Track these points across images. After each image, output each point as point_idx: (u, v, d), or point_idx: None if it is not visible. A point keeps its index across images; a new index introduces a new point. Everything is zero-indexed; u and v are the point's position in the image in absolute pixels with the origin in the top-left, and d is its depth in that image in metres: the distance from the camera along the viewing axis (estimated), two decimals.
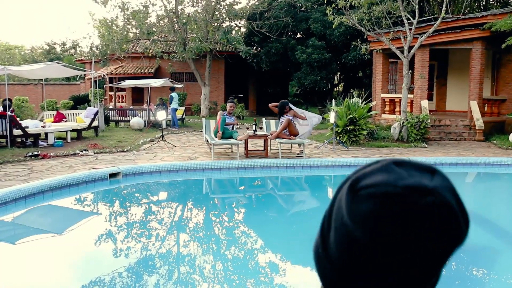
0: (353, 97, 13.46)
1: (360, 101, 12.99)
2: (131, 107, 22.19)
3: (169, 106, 17.83)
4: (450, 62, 18.38)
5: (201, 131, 15.22)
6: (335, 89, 27.91)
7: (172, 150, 11.15)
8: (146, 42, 23.60)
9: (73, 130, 13.01)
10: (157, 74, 25.01)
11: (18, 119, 11.97)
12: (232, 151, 10.98)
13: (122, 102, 25.72)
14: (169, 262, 4.81)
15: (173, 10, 21.61)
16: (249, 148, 10.64)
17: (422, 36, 13.30)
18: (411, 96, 15.09)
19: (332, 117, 11.43)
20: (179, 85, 20.60)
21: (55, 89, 30.45)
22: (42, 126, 11.97)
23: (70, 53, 45.36)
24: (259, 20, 22.05)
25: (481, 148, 12.57)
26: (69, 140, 12.57)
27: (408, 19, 13.39)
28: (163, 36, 24.10)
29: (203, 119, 11.33)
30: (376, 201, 0.55)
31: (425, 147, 12.56)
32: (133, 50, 25.03)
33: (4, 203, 6.00)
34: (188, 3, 22.32)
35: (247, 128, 10.64)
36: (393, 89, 19.05)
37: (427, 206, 0.54)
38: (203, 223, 6.48)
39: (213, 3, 21.26)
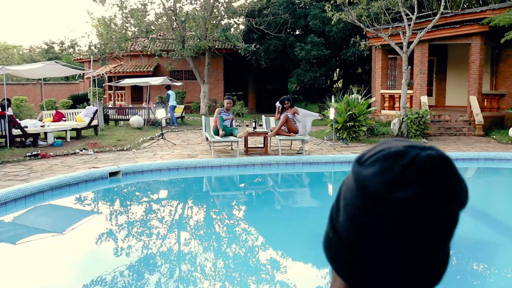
0: (352, 93, 13.45)
1: (360, 97, 12.98)
2: (130, 105, 22.16)
3: (167, 104, 17.84)
4: (449, 57, 18.36)
5: (200, 129, 15.22)
6: (335, 86, 27.89)
7: (172, 148, 11.14)
8: (144, 40, 23.58)
9: (73, 130, 13.00)
10: (156, 72, 24.98)
11: (17, 119, 11.96)
12: (232, 149, 10.98)
13: (122, 100, 25.69)
14: (170, 260, 4.81)
15: (172, 8, 21.57)
16: (249, 146, 10.64)
17: (421, 32, 13.28)
18: (410, 91, 15.09)
19: (331, 113, 11.43)
20: (178, 83, 20.57)
21: (54, 89, 30.42)
22: (41, 126, 11.96)
23: (68, 52, 45.29)
24: (257, 17, 22.01)
25: (481, 143, 12.57)
26: (68, 139, 12.56)
27: (407, 14, 13.37)
28: (161, 34, 24.07)
29: (203, 117, 11.32)
30: (381, 162, 0.58)
31: (425, 142, 12.51)
32: (131, 49, 25.00)
33: (4, 203, 6.00)
34: (186, 1, 22.30)
35: (247, 126, 10.63)
36: (393, 85, 19.04)
37: (429, 157, 0.57)
38: (204, 221, 6.48)
39: (211, 1, 21.21)
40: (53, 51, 46.25)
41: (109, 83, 22.54)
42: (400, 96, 14.18)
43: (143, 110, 17.77)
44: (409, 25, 13.11)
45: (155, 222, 6.26)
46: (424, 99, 15.00)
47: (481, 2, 23.24)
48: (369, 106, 13.39)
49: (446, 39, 15.38)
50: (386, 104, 16.79)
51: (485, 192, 8.82)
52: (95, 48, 21.95)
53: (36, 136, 11.40)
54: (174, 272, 4.50)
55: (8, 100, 13.06)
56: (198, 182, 9.03)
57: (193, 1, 21.92)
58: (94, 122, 14.03)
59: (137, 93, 25.36)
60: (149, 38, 22.67)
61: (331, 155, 9.81)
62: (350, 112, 12.19)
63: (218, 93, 25.14)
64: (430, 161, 0.57)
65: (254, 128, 10.34)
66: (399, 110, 13.88)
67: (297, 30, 24.11)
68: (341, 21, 16.56)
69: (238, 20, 24.20)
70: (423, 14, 15.51)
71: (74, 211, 6.86)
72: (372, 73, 18.92)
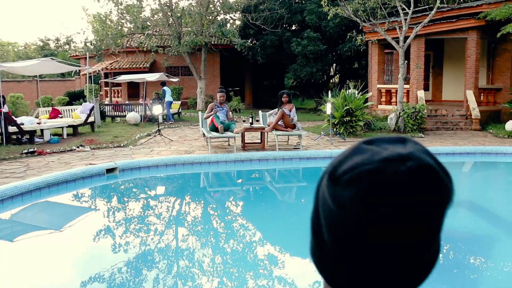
0: (349, 88, 13.45)
1: (357, 92, 12.99)
2: (127, 102, 22.12)
3: (164, 100, 17.79)
4: (445, 51, 18.37)
5: (197, 124, 15.20)
6: (331, 81, 27.87)
7: (169, 144, 11.13)
8: (140, 36, 23.49)
9: (69, 126, 12.96)
10: (152, 69, 24.92)
11: (13, 116, 11.91)
12: (229, 144, 10.97)
13: (118, 97, 25.62)
14: (168, 256, 4.81)
15: (167, 4, 21.49)
16: (246, 141, 10.62)
17: (417, 26, 13.27)
18: (407, 86, 15.09)
19: (328, 108, 11.42)
20: (175, 79, 20.52)
21: (50, 86, 30.31)
22: (37, 123, 11.92)
23: (64, 49, 45.09)
24: (253, 12, 21.95)
25: (478, 137, 12.60)
26: (65, 136, 12.52)
27: (403, 9, 13.36)
28: (157, 30, 23.98)
29: (200, 112, 11.30)
30: (359, 183, 0.54)
31: (421, 137, 12.58)
32: (127, 45, 24.91)
33: (0, 201, 5.98)
34: None
35: (244, 121, 10.62)
36: (389, 79, 19.04)
37: (409, 171, 0.53)
38: (201, 217, 6.48)
39: None
40: (49, 48, 46.03)
41: (106, 80, 22.47)
42: (396, 90, 14.19)
43: (139, 106, 17.73)
44: (406, 19, 13.10)
45: (152, 218, 6.25)
46: (421, 93, 15.02)
47: None
48: (366, 101, 13.40)
49: (442, 34, 15.39)
50: (383, 99, 16.80)
51: (482, 186, 8.85)
52: (91, 44, 21.86)
53: (32, 133, 11.37)
54: (171, 268, 4.50)
55: (3, 97, 13.00)
56: (195, 178, 9.02)
57: None
58: (91, 119, 13.99)
59: (134, 90, 25.30)
60: (145, 34, 22.59)
61: (328, 150, 9.81)
62: (347, 107, 12.19)
63: (214, 89, 25.07)
64: (411, 175, 0.53)
65: (251, 123, 10.33)
66: (396, 104, 13.89)
67: (293, 25, 24.06)
68: (338, 16, 16.52)
69: (234, 16, 24.14)
70: (419, 8, 15.49)
71: (71, 208, 6.84)
72: (368, 68, 18.91)
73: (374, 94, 17.10)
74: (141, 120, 16.43)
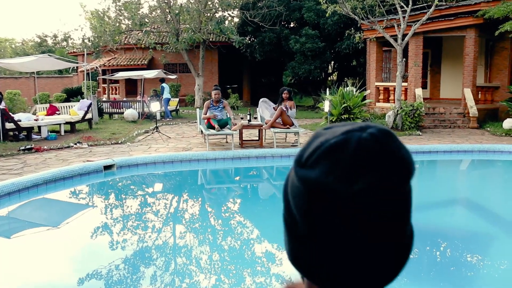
0: (347, 86, 13.45)
1: (354, 89, 12.98)
2: (124, 99, 22.07)
3: (162, 97, 17.77)
4: (444, 49, 18.37)
5: (195, 122, 15.18)
6: (329, 78, 27.85)
7: (166, 142, 11.11)
8: (138, 33, 23.43)
9: (67, 123, 12.93)
10: (150, 66, 24.87)
11: (10, 113, 11.88)
12: (227, 142, 10.96)
13: (116, 94, 25.57)
14: (165, 253, 4.81)
15: (165, 1, 21.43)
16: (244, 138, 10.62)
17: (415, 24, 13.27)
18: (405, 84, 15.09)
19: (326, 106, 11.42)
20: (173, 76, 20.48)
21: (48, 82, 30.21)
22: (35, 120, 11.88)
23: (62, 46, 44.98)
24: (252, 9, 21.91)
25: (475, 135, 12.62)
26: (62, 133, 12.49)
27: (401, 7, 13.35)
28: (155, 27, 23.92)
29: (197, 109, 11.29)
30: (326, 157, 0.55)
31: (419, 135, 12.60)
32: (125, 42, 24.82)
33: None
34: None
35: (242, 118, 10.60)
36: (387, 77, 19.05)
37: (371, 136, 0.54)
38: (199, 214, 6.48)
39: None
40: (46, 44, 45.91)
41: (103, 77, 22.42)
42: (394, 88, 14.19)
43: (137, 103, 17.70)
44: (404, 17, 13.10)
45: (150, 215, 6.25)
46: (419, 91, 15.02)
47: None
48: (364, 98, 13.39)
49: (440, 32, 15.39)
50: (381, 97, 16.80)
51: (479, 184, 8.87)
52: (89, 41, 21.79)
53: (29, 130, 11.34)
54: (169, 264, 4.50)
55: (1, 93, 12.97)
56: (193, 175, 9.01)
57: None
58: (88, 116, 13.95)
59: (131, 86, 25.24)
60: (143, 31, 22.51)
61: None
62: (345, 104, 12.20)
63: (212, 86, 25.01)
64: (375, 140, 0.54)
65: (249, 120, 10.33)
66: (394, 102, 13.90)
67: (291, 23, 24.02)
68: (336, 14, 16.51)
69: (232, 13, 24.10)
70: (417, 6, 15.48)
71: (69, 205, 6.83)
72: (366, 66, 18.91)
73: (372, 92, 17.10)
74: (139, 117, 16.40)
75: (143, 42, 22.66)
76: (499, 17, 13.24)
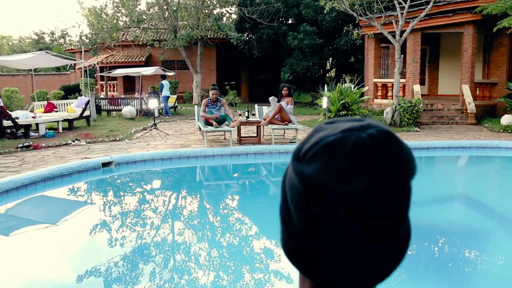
0: (345, 82, 13.44)
1: (353, 86, 12.98)
2: (122, 96, 22.04)
3: (161, 94, 17.74)
4: (442, 46, 18.38)
5: (193, 118, 15.17)
6: (327, 75, 27.85)
7: (164, 138, 11.11)
8: (136, 30, 23.38)
9: (65, 120, 12.91)
10: (148, 63, 24.84)
11: (8, 110, 11.84)
12: (225, 138, 10.96)
13: (114, 91, 25.53)
14: (164, 250, 4.81)
15: None
16: (242, 135, 10.62)
17: (413, 20, 13.26)
18: (403, 80, 15.10)
19: (324, 102, 11.42)
20: (171, 73, 20.45)
21: (45, 79, 30.15)
22: (32, 117, 11.86)
23: (59, 43, 44.83)
24: (250, 6, 21.88)
25: (473, 131, 12.64)
26: (60, 130, 12.48)
27: (399, 3, 13.34)
28: (153, 24, 23.88)
29: (196, 106, 11.28)
30: (323, 154, 0.55)
31: (417, 131, 12.61)
32: (123, 39, 24.78)
33: None
34: None
35: (240, 115, 10.60)
36: (385, 74, 19.04)
37: (370, 137, 0.54)
38: (197, 210, 6.48)
39: None
40: (44, 41, 45.76)
41: (101, 74, 22.38)
42: (392, 85, 14.20)
43: (135, 100, 17.67)
44: (402, 13, 13.09)
45: (148, 212, 6.25)
46: (417, 88, 15.03)
47: None
48: (362, 95, 13.41)
49: (438, 28, 15.38)
50: (379, 93, 16.81)
51: (477, 180, 8.88)
52: (86, 38, 21.74)
53: (27, 127, 11.32)
54: (168, 262, 4.50)
55: None
56: (191, 172, 9.01)
57: None
58: (86, 113, 13.93)
59: (129, 84, 25.22)
60: (141, 28, 22.47)
61: None
62: (343, 101, 12.19)
63: (210, 82, 25.01)
64: (373, 141, 0.54)
65: (247, 117, 10.32)
66: (392, 99, 13.91)
67: (289, 19, 24.00)
68: (334, 10, 16.50)
69: (230, 9, 24.07)
70: (415, 2, 15.47)
71: (67, 202, 6.83)
72: (364, 62, 18.90)
73: (370, 88, 17.10)
74: (137, 114, 16.38)
75: (141, 39, 22.62)
76: (497, 13, 13.25)
